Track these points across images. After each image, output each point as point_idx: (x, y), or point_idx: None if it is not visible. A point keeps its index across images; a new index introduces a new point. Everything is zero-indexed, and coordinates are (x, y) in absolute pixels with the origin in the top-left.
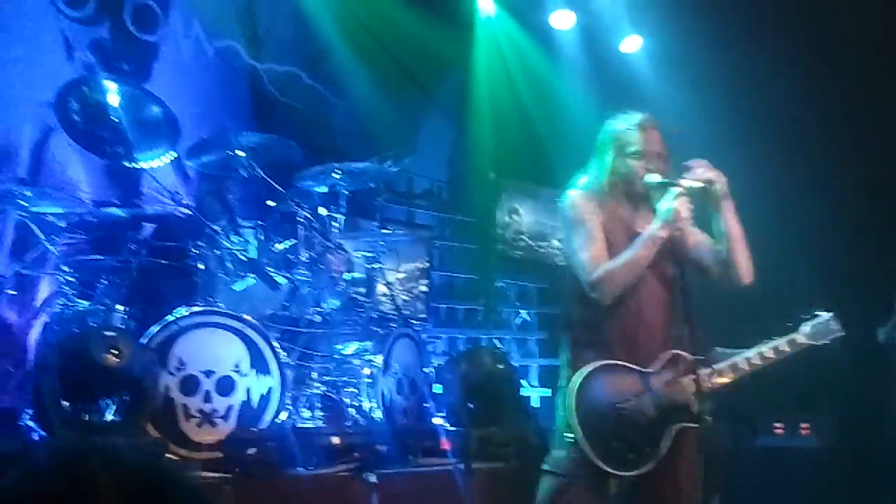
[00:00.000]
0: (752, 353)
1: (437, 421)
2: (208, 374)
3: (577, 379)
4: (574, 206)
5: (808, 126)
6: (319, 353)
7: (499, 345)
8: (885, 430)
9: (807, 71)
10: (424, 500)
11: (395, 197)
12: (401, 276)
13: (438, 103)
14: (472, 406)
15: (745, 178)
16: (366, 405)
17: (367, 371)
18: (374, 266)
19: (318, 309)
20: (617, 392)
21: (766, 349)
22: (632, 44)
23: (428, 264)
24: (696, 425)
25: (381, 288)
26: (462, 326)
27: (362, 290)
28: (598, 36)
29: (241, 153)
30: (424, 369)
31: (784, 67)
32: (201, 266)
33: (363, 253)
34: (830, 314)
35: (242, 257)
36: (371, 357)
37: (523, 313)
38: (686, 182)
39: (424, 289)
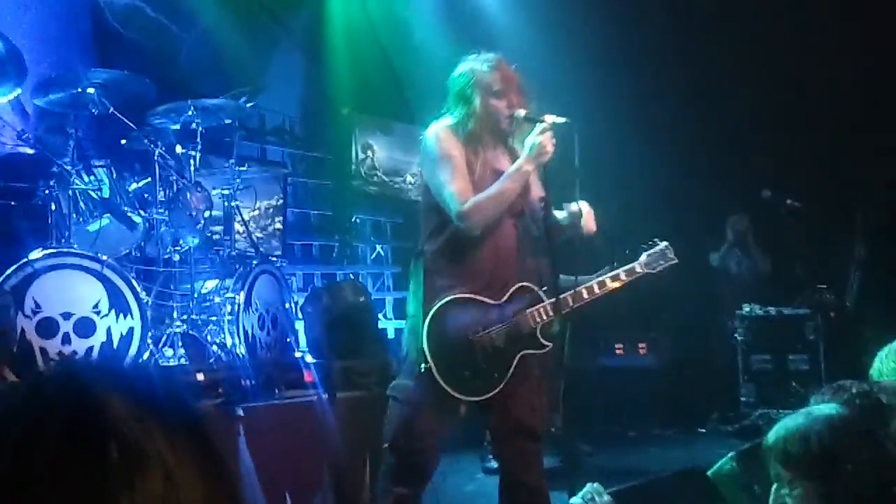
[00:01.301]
0: (593, 283)
1: (299, 354)
2: (66, 315)
3: (431, 311)
4: (440, 139)
5: (648, 71)
6: (179, 292)
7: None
8: (714, 348)
9: (650, 18)
10: (290, 431)
11: (247, 133)
12: (255, 213)
13: (291, 35)
14: (333, 338)
15: (587, 119)
16: (228, 342)
17: (228, 308)
18: (231, 204)
19: (177, 248)
20: (468, 323)
21: (606, 278)
22: None
23: (282, 201)
24: (540, 351)
25: (237, 226)
26: (318, 262)
27: (219, 228)
28: None
29: (91, 90)
30: (286, 304)
31: (626, 12)
32: (53, 206)
33: (220, 191)
34: (665, 244)
35: (96, 196)
36: (231, 294)
37: (378, 248)
38: (550, 118)
39: (279, 226)
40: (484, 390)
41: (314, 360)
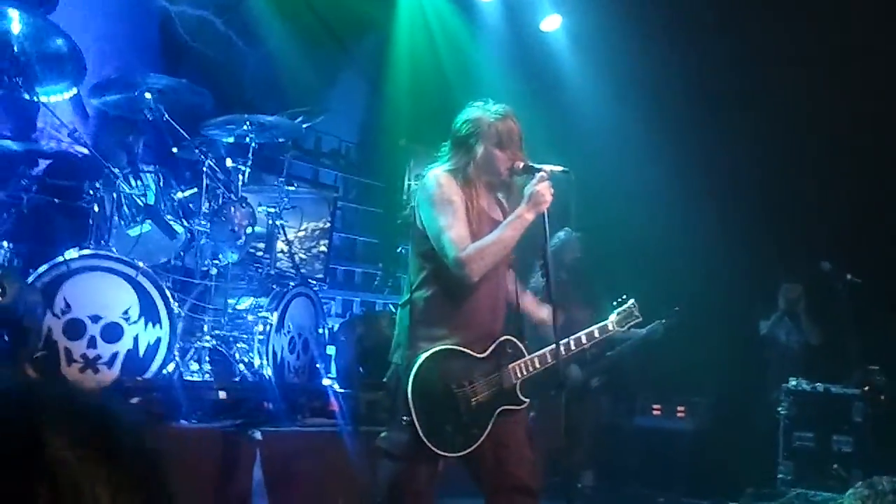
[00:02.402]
0: (570, 339)
1: (327, 382)
2: (95, 319)
3: (416, 362)
4: (441, 184)
5: (714, 127)
6: (212, 307)
7: (394, 310)
8: (755, 420)
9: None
10: (309, 459)
11: (301, 154)
12: (301, 234)
13: (355, 62)
14: (363, 369)
15: (647, 171)
16: (256, 362)
17: (260, 327)
18: (276, 222)
19: (215, 261)
20: (452, 376)
21: (582, 335)
22: (552, 22)
23: (329, 224)
24: (519, 407)
25: (280, 245)
26: (358, 290)
27: (262, 245)
28: (520, 11)
29: (148, 95)
30: (319, 330)
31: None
32: (96, 208)
33: (266, 208)
34: (632, 301)
35: (140, 202)
36: (265, 314)
37: None
38: (548, 168)
39: (324, 249)
40: (463, 446)
41: (341, 390)
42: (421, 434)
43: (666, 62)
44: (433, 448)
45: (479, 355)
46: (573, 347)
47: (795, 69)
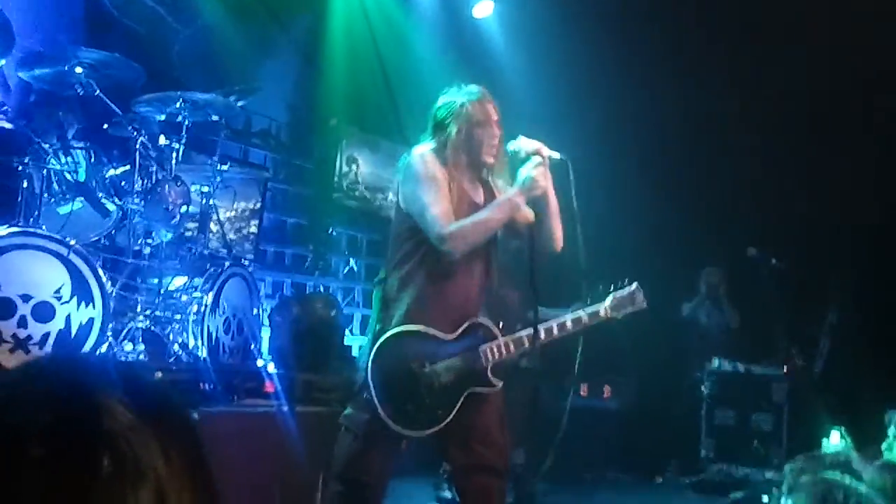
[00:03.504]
0: (552, 323)
1: (262, 363)
2: (25, 298)
3: (379, 340)
4: (425, 161)
5: (648, 109)
6: (145, 286)
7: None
8: (679, 399)
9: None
10: (246, 440)
11: (231, 133)
12: (232, 214)
13: (288, 41)
14: (299, 350)
15: (580, 150)
16: (191, 343)
17: (194, 308)
18: (209, 202)
19: (148, 240)
20: (414, 356)
21: (567, 320)
22: (484, 8)
23: (260, 205)
24: (489, 390)
25: (211, 225)
26: (289, 271)
27: (194, 225)
28: None
29: (79, 69)
30: (254, 311)
31: (632, 48)
32: (25, 184)
33: (199, 187)
34: (635, 285)
35: (70, 179)
36: (199, 294)
37: (352, 262)
38: (546, 151)
39: (254, 230)
40: (426, 426)
41: (277, 371)
42: (380, 411)
43: (598, 47)
44: (393, 426)
45: (446, 337)
46: (555, 332)
47: (726, 56)
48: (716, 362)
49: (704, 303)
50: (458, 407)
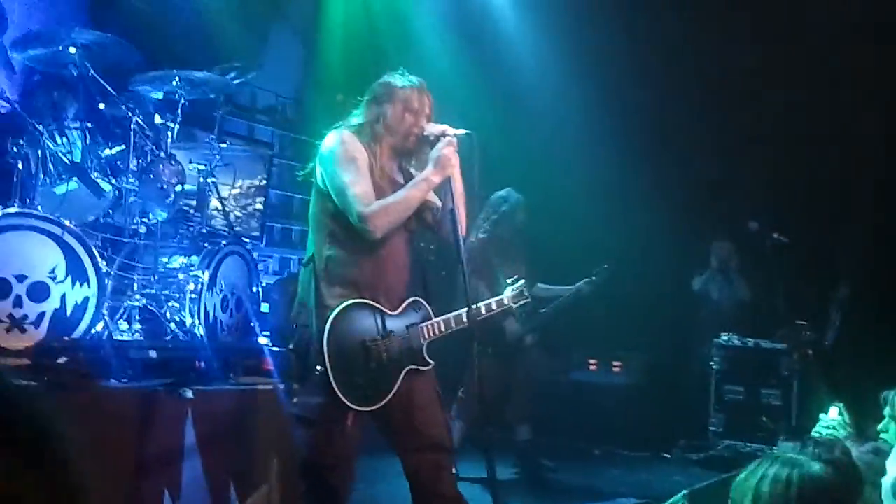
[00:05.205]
0: (480, 304)
1: (261, 341)
2: (21, 278)
3: (333, 313)
4: (344, 141)
5: (654, 81)
6: (142, 265)
7: None
8: (688, 374)
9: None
10: (242, 419)
11: (236, 110)
12: (236, 191)
13: (290, 17)
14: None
15: (583, 126)
16: (188, 321)
17: (191, 286)
18: (207, 180)
19: (144, 220)
20: (365, 329)
21: (492, 301)
22: None
23: (265, 182)
24: (424, 368)
25: (214, 203)
26: (296, 247)
27: (193, 203)
28: None
29: (73, 50)
30: (252, 288)
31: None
32: (20, 165)
33: (197, 165)
34: (522, 281)
35: (66, 159)
36: (197, 272)
37: None
38: (451, 130)
39: (260, 207)
40: (373, 401)
41: (275, 348)
42: (333, 385)
43: (607, 22)
44: (344, 400)
45: (391, 312)
46: (483, 312)
47: (732, 39)
48: (725, 337)
49: (716, 277)
50: (398, 383)
